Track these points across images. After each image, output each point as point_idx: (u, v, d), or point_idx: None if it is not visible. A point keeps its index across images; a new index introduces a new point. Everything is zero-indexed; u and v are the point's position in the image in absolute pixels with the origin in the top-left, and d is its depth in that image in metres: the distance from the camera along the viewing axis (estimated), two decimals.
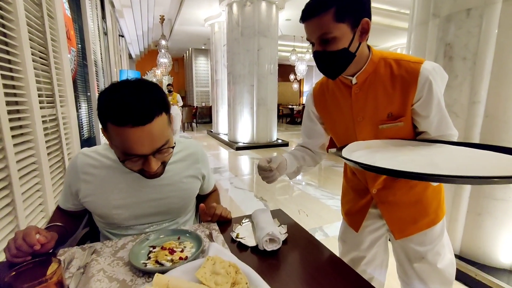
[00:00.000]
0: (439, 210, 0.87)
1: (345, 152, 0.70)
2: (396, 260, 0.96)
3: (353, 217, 0.96)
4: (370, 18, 0.70)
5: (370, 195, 0.89)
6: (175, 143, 0.76)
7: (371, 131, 0.80)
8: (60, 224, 0.77)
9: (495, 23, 1.40)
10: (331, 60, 0.72)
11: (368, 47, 0.77)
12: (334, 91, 0.86)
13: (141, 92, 0.64)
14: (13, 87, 1.15)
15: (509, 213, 1.51)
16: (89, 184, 0.78)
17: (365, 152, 0.72)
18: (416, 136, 0.83)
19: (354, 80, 0.79)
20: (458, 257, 1.68)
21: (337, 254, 1.08)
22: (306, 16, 0.70)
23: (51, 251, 0.67)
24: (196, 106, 10.39)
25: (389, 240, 0.99)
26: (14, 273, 0.44)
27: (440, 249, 0.87)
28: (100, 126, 0.69)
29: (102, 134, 0.72)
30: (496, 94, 1.44)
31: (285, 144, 6.18)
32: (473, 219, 1.63)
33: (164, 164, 0.74)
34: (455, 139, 0.79)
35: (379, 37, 8.47)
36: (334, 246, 1.08)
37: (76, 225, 0.88)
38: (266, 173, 0.84)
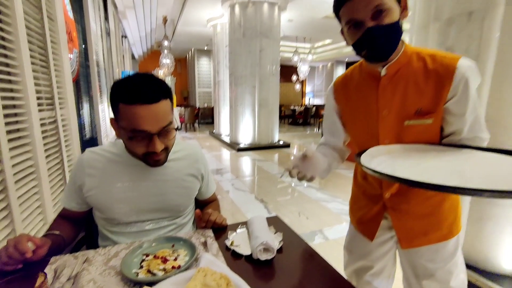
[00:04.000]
0: (453, 225, 0.82)
1: (364, 158, 0.66)
2: (403, 275, 0.92)
3: (367, 225, 0.90)
4: None
5: (383, 201, 0.84)
6: (178, 128, 0.80)
7: (395, 127, 0.75)
8: (57, 232, 0.77)
9: (497, 26, 1.38)
10: (388, 34, 0.66)
11: (402, 41, 0.73)
12: (359, 83, 0.82)
13: (150, 79, 0.74)
14: (11, 90, 1.15)
15: (510, 218, 1.49)
16: (93, 178, 0.81)
17: (385, 157, 0.69)
18: (442, 139, 0.78)
19: (383, 71, 0.74)
20: None
21: (337, 258, 1.07)
22: None
23: (44, 257, 0.67)
24: (199, 107, 10.40)
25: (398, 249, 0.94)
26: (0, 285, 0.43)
27: (452, 268, 0.82)
28: (109, 117, 0.78)
29: (111, 126, 0.79)
30: (498, 99, 1.42)
31: (287, 146, 6.16)
32: (474, 224, 1.61)
33: (167, 150, 0.79)
34: (485, 144, 0.74)
35: None
36: (333, 249, 1.06)
37: (75, 232, 0.88)
38: (299, 167, 0.73)
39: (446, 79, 0.68)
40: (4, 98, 1.04)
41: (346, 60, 13.56)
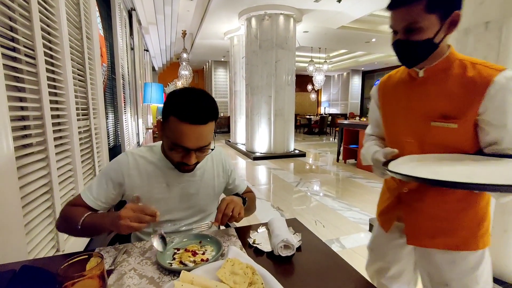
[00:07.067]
0: (472, 238, 0.79)
1: (392, 164, 0.72)
2: (421, 281, 0.93)
3: (385, 216, 0.95)
4: (461, 9, 0.69)
5: (399, 193, 0.86)
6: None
7: (422, 126, 0.78)
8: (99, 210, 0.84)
9: None
10: (413, 49, 0.72)
11: (448, 46, 0.76)
12: (398, 82, 0.87)
13: (203, 100, 0.79)
14: (56, 102, 1.29)
15: None
16: (135, 178, 0.88)
17: (415, 164, 0.71)
18: (481, 149, 0.76)
19: (421, 73, 0.78)
20: None
21: (352, 265, 1.09)
22: (396, 3, 0.70)
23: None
24: None
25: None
26: (65, 265, 0.51)
27: (470, 283, 0.79)
28: (157, 118, 0.81)
29: (156, 127, 0.84)
30: None
31: (303, 155, 6.17)
32: (499, 236, 1.56)
33: (198, 161, 0.86)
34: None
35: None
36: (350, 258, 1.09)
37: None
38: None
39: (480, 89, 0.68)
40: (52, 109, 1.17)
41: (362, 69, 13.47)
